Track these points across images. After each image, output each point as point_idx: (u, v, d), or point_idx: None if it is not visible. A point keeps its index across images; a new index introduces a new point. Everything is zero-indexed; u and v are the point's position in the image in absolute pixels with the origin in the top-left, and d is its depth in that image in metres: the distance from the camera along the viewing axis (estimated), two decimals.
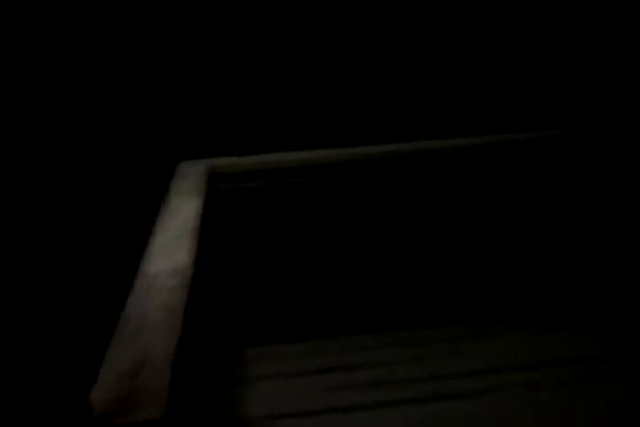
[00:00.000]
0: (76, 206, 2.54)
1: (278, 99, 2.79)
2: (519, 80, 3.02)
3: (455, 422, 2.06)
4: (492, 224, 2.66)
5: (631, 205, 2.72)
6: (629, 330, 2.59)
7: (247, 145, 2.81)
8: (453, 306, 2.71)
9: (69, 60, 2.60)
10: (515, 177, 2.64)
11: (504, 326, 2.65)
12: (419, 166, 2.61)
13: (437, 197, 2.63)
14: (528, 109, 3.05)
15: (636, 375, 2.27)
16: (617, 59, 3.01)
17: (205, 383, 1.88)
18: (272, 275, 2.56)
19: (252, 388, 2.29)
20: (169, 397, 0.97)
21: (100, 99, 2.59)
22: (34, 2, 2.52)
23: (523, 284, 2.73)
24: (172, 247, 1.56)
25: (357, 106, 2.89)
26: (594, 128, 2.67)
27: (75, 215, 2.55)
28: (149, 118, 2.58)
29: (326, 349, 2.55)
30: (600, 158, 2.65)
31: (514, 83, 3.01)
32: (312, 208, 2.55)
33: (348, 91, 2.84)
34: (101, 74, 2.60)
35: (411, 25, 2.88)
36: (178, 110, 2.61)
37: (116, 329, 1.19)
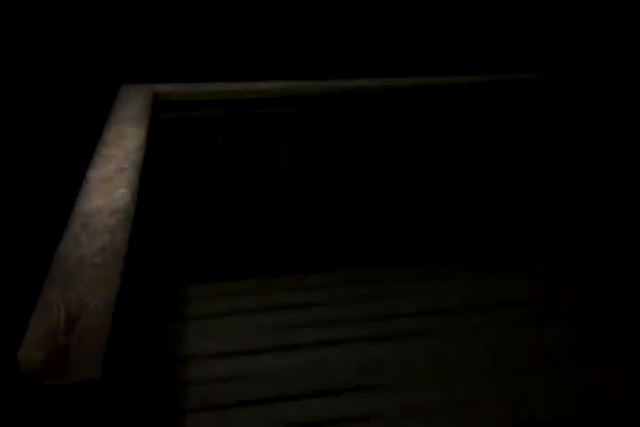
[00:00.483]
0: (9, 130, 2.31)
1: (230, 23, 2.58)
2: (497, 25, 2.90)
3: (398, 362, 2.07)
4: (442, 161, 2.61)
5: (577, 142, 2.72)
6: (570, 271, 2.65)
7: (191, 72, 2.61)
8: (401, 246, 2.69)
9: None
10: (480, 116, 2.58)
11: (449, 268, 2.66)
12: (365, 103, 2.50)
13: (392, 137, 2.55)
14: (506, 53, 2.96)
15: (572, 316, 2.34)
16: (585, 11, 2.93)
17: (145, 323, 1.79)
18: (217, 210, 2.45)
19: (193, 326, 2.23)
20: (107, 353, 0.88)
21: (39, 18, 2.32)
22: None
23: (468, 225, 2.72)
24: (112, 182, 1.42)
25: (314, 37, 2.71)
26: (567, 73, 2.62)
27: (7, 140, 2.33)
28: (88, 37, 2.34)
29: (270, 287, 2.49)
30: (572, 100, 2.61)
31: (492, 26, 2.90)
32: (262, 142, 2.42)
33: (305, 22, 2.65)
34: None
35: None
36: (120, 30, 2.36)
37: (47, 274, 1.07)
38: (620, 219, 2.78)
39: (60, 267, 1.08)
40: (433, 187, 2.63)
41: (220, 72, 2.63)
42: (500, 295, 2.47)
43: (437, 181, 2.62)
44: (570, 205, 2.77)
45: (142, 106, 2.02)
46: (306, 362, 2.04)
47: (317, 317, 2.31)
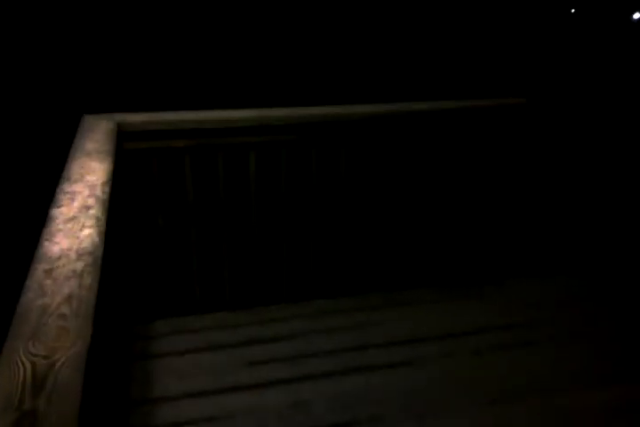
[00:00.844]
0: None
1: (195, 51, 2.53)
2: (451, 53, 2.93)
3: (374, 395, 2.02)
4: (407, 192, 2.60)
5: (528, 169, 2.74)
6: (545, 292, 2.65)
7: (154, 101, 2.55)
8: (369, 273, 2.65)
9: None
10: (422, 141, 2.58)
11: (418, 295, 2.63)
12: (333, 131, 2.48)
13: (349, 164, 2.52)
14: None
15: (548, 340, 2.33)
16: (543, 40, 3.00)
17: (111, 362, 1.70)
18: (183, 244, 2.38)
19: (162, 364, 2.14)
20: (80, 417, 0.81)
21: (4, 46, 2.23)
22: None
23: (439, 248, 2.70)
24: (77, 221, 1.35)
25: (284, 65, 2.69)
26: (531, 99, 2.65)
27: None
28: (47, 66, 2.26)
29: (240, 321, 2.42)
30: (539, 126, 2.64)
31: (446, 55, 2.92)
32: (230, 171, 2.37)
33: (272, 49, 2.62)
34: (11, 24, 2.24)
35: None
36: (81, 60, 2.29)
37: (10, 327, 0.99)
38: (596, 237, 2.81)
39: (24, 319, 1.00)
40: (399, 213, 2.61)
41: (184, 101, 2.58)
42: (475, 321, 2.45)
43: (403, 207, 2.61)
44: (542, 225, 2.79)
45: (106, 137, 1.95)
46: (284, 399, 1.97)
47: (290, 350, 2.24)
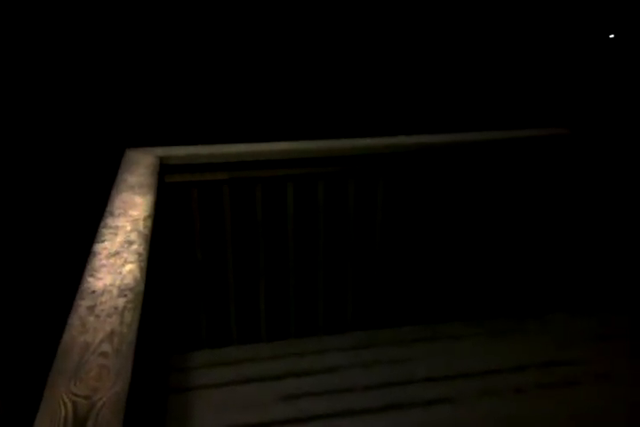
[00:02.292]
0: (14, 199, 2.27)
1: (231, 87, 2.59)
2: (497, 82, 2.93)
3: None
4: (447, 224, 2.57)
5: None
6: (585, 328, 2.57)
7: (194, 134, 2.60)
8: (405, 305, 2.61)
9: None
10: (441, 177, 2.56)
11: (456, 328, 2.58)
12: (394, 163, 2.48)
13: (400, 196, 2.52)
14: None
15: (593, 378, 2.25)
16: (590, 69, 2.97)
17: (148, 396, 1.71)
18: (220, 276, 2.39)
19: (199, 397, 2.13)
20: None
21: (45, 82, 2.32)
22: None
23: (475, 282, 2.65)
24: (120, 257, 1.37)
25: (315, 99, 2.73)
26: (574, 130, 2.61)
27: (12, 210, 2.28)
28: (90, 102, 2.33)
29: (276, 352, 2.40)
30: (584, 157, 2.59)
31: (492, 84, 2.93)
32: (268, 204, 2.39)
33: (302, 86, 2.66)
34: (46, 56, 2.34)
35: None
36: (123, 94, 2.37)
37: (53, 364, 1.01)
38: (631, 272, 2.73)
39: (67, 356, 1.02)
40: (438, 245, 2.58)
41: (224, 133, 2.63)
42: (517, 357, 2.38)
43: (442, 239, 2.58)
44: (585, 259, 2.72)
45: (148, 172, 1.99)
46: None
47: (326, 384, 2.22)
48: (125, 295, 1.21)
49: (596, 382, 2.23)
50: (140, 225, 1.54)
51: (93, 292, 1.22)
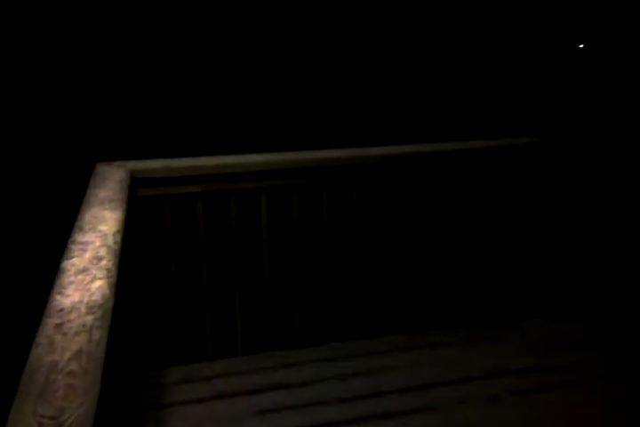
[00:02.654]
0: None
1: (201, 99, 2.58)
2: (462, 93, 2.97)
3: None
4: (420, 233, 2.59)
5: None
6: (558, 334, 2.59)
7: (166, 147, 2.59)
8: (381, 315, 2.61)
9: None
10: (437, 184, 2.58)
11: (432, 337, 2.59)
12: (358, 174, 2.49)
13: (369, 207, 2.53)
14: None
15: (567, 385, 2.27)
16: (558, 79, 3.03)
17: (122, 413, 1.68)
18: (194, 289, 2.37)
19: (174, 413, 2.10)
20: None
21: (14, 95, 2.29)
22: None
23: (454, 293, 2.67)
24: (88, 273, 1.35)
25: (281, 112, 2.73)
26: (543, 139, 2.65)
27: None
28: (58, 116, 2.31)
29: (251, 366, 2.39)
30: (554, 165, 2.63)
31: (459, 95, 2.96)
32: (242, 216, 2.38)
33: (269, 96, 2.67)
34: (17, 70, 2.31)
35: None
36: (93, 107, 2.35)
37: (20, 384, 0.99)
38: (608, 279, 2.77)
39: (33, 376, 1.00)
40: (412, 254, 2.60)
41: (196, 146, 2.62)
42: (491, 364, 2.40)
43: (416, 248, 2.59)
44: (551, 267, 2.76)
45: (119, 186, 1.97)
46: None
47: (302, 397, 2.21)
48: (94, 313, 1.19)
49: (569, 388, 2.25)
50: (110, 240, 1.53)
51: (61, 309, 1.20)
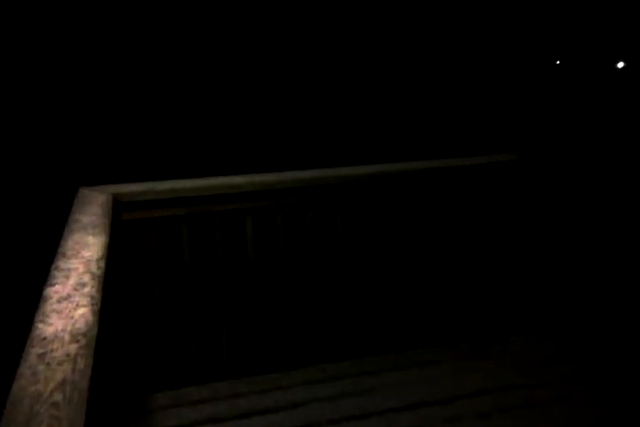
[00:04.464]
0: None
1: (184, 122, 2.59)
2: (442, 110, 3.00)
3: None
4: (406, 251, 2.59)
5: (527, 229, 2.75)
6: (548, 349, 2.60)
7: (148, 170, 2.58)
8: (369, 334, 2.60)
9: None
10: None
11: (421, 356, 2.58)
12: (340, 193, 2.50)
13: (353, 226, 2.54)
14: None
15: (553, 400, 2.27)
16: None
17: None
18: (180, 312, 2.35)
19: None
20: None
21: None
22: None
23: (440, 312, 2.67)
24: (71, 301, 1.34)
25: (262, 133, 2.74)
26: (524, 156, 2.68)
27: None
28: (45, 140, 2.30)
29: (239, 390, 2.36)
30: (534, 182, 2.66)
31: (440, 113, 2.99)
32: (228, 237, 2.38)
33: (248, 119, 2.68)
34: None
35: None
36: (74, 133, 2.34)
37: (3, 416, 0.97)
38: (599, 294, 2.79)
39: (16, 408, 0.98)
40: (401, 271, 2.60)
41: (179, 169, 2.62)
42: (476, 382, 2.39)
43: (403, 266, 2.60)
44: (535, 285, 2.77)
45: (102, 211, 1.96)
46: None
47: (291, 421, 2.18)
48: (78, 341, 1.18)
49: (555, 403, 2.25)
50: (93, 266, 1.52)
51: (44, 338, 1.18)
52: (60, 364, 1.09)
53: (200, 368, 2.39)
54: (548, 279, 2.74)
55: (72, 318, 1.26)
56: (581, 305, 2.75)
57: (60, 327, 1.22)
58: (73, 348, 1.15)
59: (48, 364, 1.09)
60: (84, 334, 1.20)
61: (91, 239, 1.70)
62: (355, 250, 2.52)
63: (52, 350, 1.14)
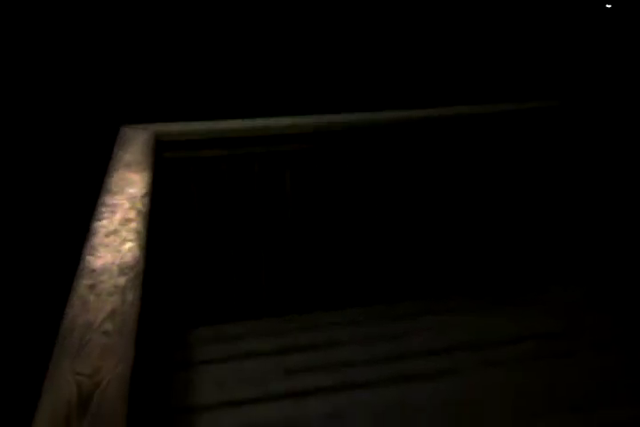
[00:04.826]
0: (10, 178, 2.24)
1: (225, 62, 2.54)
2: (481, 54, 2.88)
3: (414, 406, 1.99)
4: (444, 195, 2.55)
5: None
6: (585, 298, 2.58)
7: (190, 109, 2.56)
8: (402, 280, 2.61)
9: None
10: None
11: (455, 303, 2.59)
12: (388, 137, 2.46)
13: (402, 170, 2.50)
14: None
15: (588, 349, 2.27)
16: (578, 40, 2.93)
17: (152, 371, 1.72)
18: (221, 251, 2.38)
19: (202, 372, 2.14)
20: None
21: (38, 59, 2.28)
22: None
23: (471, 255, 2.65)
24: (118, 235, 1.36)
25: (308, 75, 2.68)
26: (565, 101, 2.58)
27: (8, 189, 2.26)
28: (85, 78, 2.29)
29: (277, 328, 2.41)
30: (570, 129, 2.57)
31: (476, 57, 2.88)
32: (266, 180, 2.37)
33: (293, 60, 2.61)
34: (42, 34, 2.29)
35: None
36: (116, 70, 2.32)
37: (56, 343, 1.00)
38: (631, 242, 2.73)
39: (69, 335, 1.01)
40: (434, 220, 2.57)
41: (219, 110, 2.59)
42: (511, 330, 2.40)
43: (438, 213, 2.56)
44: (571, 232, 2.72)
45: (145, 149, 1.97)
46: (322, 409, 1.96)
47: (327, 359, 2.23)
48: (126, 274, 1.20)
49: (591, 352, 2.24)
50: (138, 203, 1.53)
51: (93, 271, 1.21)
52: (109, 295, 1.12)
53: (239, 306, 2.44)
54: (586, 228, 2.69)
55: (119, 251, 1.29)
56: (621, 255, 2.70)
57: (108, 260, 1.25)
58: (122, 280, 1.18)
59: (98, 295, 1.12)
60: (132, 268, 1.23)
61: (135, 176, 1.71)
62: (392, 194, 2.50)
63: (101, 282, 1.17)
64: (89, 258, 1.26)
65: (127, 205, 1.52)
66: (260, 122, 2.34)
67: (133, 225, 1.42)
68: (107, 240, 1.34)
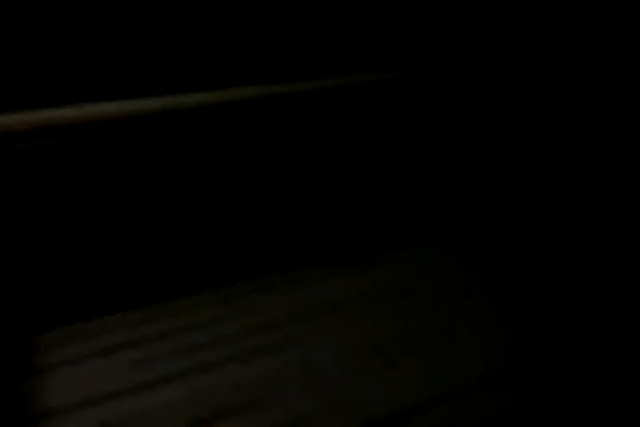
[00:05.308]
0: None
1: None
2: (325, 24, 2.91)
3: (276, 377, 2.00)
4: (297, 166, 2.59)
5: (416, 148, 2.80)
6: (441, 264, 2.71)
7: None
8: (251, 255, 2.61)
9: None
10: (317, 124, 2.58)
11: (313, 272, 2.63)
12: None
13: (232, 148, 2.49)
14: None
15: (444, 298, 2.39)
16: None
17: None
18: (58, 251, 2.27)
19: (54, 376, 2.03)
20: None
21: None
22: None
23: (319, 219, 2.70)
24: None
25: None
26: (404, 73, 2.67)
27: None
28: None
29: (130, 321, 2.34)
30: (414, 101, 2.66)
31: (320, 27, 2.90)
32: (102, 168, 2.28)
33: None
34: None
35: None
36: None
37: None
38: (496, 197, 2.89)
39: None
40: (286, 188, 2.60)
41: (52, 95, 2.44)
42: (356, 289, 2.46)
43: (282, 177, 2.59)
44: (430, 190, 2.85)
45: None
46: (181, 393, 1.93)
47: (184, 343, 2.19)
48: None
49: (442, 300, 2.36)
50: None
51: None
52: None
53: (92, 303, 2.34)
54: (441, 188, 2.82)
55: None
56: (476, 211, 2.86)
57: None
58: None
59: None
60: None
61: None
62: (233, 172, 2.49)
63: None
64: None
65: None
66: (86, 109, 2.24)
67: None
68: None
